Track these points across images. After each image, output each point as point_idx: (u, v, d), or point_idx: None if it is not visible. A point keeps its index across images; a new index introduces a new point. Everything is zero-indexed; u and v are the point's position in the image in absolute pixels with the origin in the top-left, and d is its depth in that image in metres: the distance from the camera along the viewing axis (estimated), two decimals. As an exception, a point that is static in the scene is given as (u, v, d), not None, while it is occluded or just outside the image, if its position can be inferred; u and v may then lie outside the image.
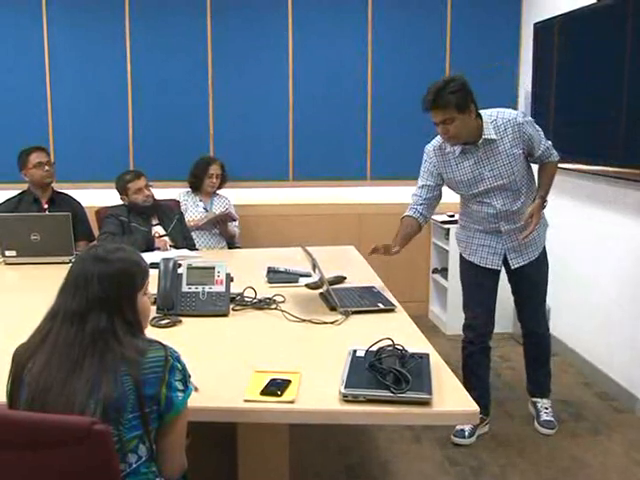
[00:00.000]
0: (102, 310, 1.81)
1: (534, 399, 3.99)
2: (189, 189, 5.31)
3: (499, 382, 4.54)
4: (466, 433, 3.72)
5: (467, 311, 3.85)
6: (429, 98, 3.37)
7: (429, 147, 3.67)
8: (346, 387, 2.10)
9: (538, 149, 3.54)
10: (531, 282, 3.77)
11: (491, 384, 3.94)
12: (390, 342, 2.31)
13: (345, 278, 3.57)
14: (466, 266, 3.82)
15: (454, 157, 3.57)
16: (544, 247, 3.76)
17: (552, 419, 3.88)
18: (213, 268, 3.10)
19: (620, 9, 4.01)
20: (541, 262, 3.75)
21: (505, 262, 3.72)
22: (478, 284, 3.77)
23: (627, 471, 3.45)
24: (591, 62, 4.33)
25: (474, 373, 3.81)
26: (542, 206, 3.52)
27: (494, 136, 3.46)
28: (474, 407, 2.07)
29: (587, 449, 3.66)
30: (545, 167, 3.62)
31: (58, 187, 4.73)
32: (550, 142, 3.61)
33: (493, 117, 3.49)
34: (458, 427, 3.74)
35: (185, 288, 3.04)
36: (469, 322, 3.84)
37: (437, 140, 3.65)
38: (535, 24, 5.11)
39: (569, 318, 4.76)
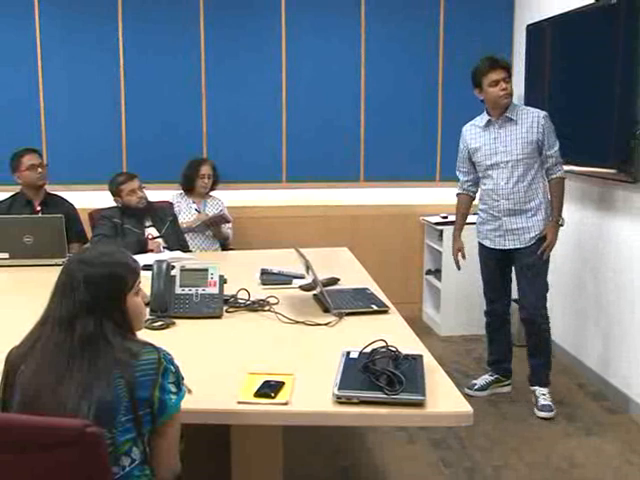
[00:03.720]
0: (90, 314, 1.81)
1: (532, 387, 4.15)
2: (182, 191, 5.31)
3: (493, 383, 4.55)
4: (477, 386, 4.33)
5: (484, 286, 4.34)
6: (496, 57, 3.96)
7: (464, 128, 4.23)
8: (339, 389, 2.09)
9: (548, 149, 3.95)
10: (525, 267, 4.06)
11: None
12: (383, 343, 2.30)
13: (338, 280, 3.56)
14: (481, 250, 4.30)
15: (480, 128, 4.09)
16: (543, 237, 3.99)
17: (550, 403, 4.04)
18: (206, 270, 3.10)
19: (612, 11, 4.02)
20: (537, 249, 4.00)
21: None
22: (489, 265, 4.25)
23: (620, 471, 3.46)
24: (583, 64, 4.34)
25: (491, 339, 4.39)
26: (557, 227, 3.99)
27: (514, 117, 3.96)
28: (467, 408, 2.07)
29: (581, 449, 3.66)
30: (552, 187, 4.02)
31: (51, 189, 4.73)
32: (560, 157, 3.99)
33: (522, 107, 4.08)
34: (472, 381, 4.39)
35: (178, 290, 3.04)
36: (486, 296, 4.34)
37: (472, 121, 4.20)
38: (528, 26, 5.12)
39: (562, 319, 4.77)
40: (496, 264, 4.20)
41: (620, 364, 4.17)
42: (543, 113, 3.97)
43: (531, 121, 3.94)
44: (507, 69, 3.95)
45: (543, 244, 3.98)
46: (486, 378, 4.37)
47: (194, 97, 5.61)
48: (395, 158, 5.81)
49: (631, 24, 3.83)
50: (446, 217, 5.56)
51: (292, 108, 5.71)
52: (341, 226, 5.72)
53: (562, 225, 4.03)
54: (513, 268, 4.21)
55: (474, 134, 4.12)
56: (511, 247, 4.07)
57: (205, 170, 5.26)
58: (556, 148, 3.96)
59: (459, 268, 4.37)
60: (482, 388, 4.33)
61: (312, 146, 5.75)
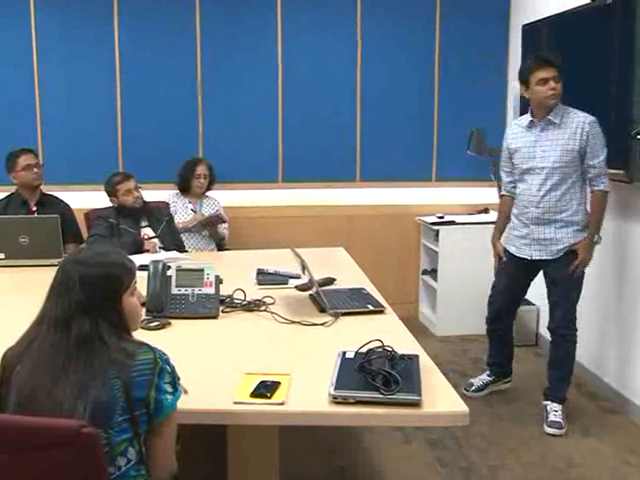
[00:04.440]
0: (86, 314, 1.81)
1: (545, 402, 3.99)
2: (178, 191, 5.30)
3: (489, 383, 4.55)
4: (474, 387, 4.29)
5: (491, 294, 4.22)
6: (546, 56, 3.82)
7: (508, 125, 4.11)
8: (336, 389, 2.09)
9: (590, 159, 3.72)
10: (552, 279, 3.91)
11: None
12: (380, 343, 2.30)
13: (335, 280, 3.56)
14: (505, 254, 4.11)
15: (523, 128, 3.91)
16: (574, 251, 3.81)
17: (560, 420, 3.86)
18: (202, 270, 3.10)
19: (607, 12, 4.02)
20: (568, 263, 3.82)
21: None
22: (509, 271, 4.09)
23: (617, 472, 3.46)
24: (579, 64, 4.34)
25: (493, 343, 4.31)
26: (590, 244, 3.79)
27: (557, 121, 3.77)
28: (463, 408, 2.07)
29: (578, 450, 3.67)
30: (592, 200, 3.81)
31: (47, 189, 4.72)
32: (606, 168, 3.76)
33: (569, 110, 3.81)
34: (470, 380, 4.35)
35: (174, 290, 3.04)
36: (489, 300, 4.23)
37: (517, 120, 4.10)
38: (523, 26, 5.12)
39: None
40: (516, 272, 4.04)
41: (617, 364, 4.18)
42: (590, 118, 3.73)
43: (575, 127, 3.72)
44: (557, 68, 3.73)
45: (574, 260, 3.80)
46: (484, 378, 4.33)
47: (190, 97, 5.60)
48: (391, 158, 5.81)
49: (627, 24, 3.84)
50: (442, 217, 5.57)
51: (288, 108, 5.71)
52: (337, 226, 5.71)
53: (598, 243, 3.81)
54: (542, 280, 3.99)
55: (516, 134, 3.95)
56: (536, 258, 3.90)
57: (201, 170, 5.26)
58: (601, 158, 3.72)
59: (497, 274, 4.23)
60: (480, 389, 4.29)
61: (308, 146, 5.75)
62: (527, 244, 3.93)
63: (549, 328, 3.97)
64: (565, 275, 3.82)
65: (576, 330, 3.90)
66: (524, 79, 3.81)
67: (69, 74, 5.49)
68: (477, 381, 4.32)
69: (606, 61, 4.04)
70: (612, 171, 3.85)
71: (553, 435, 3.81)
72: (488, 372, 4.35)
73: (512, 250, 4.03)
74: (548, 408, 3.94)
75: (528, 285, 4.12)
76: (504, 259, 4.13)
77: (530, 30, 5.03)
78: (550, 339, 3.99)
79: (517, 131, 3.95)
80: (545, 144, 3.80)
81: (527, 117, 3.90)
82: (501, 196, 4.22)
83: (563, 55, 4.46)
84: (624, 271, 4.09)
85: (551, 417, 3.88)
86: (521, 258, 3.98)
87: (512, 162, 3.99)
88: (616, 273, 4.13)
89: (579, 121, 3.73)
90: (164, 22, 5.50)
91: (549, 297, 3.95)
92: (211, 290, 3.04)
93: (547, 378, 4.02)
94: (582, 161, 3.75)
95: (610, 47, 4.01)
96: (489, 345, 4.34)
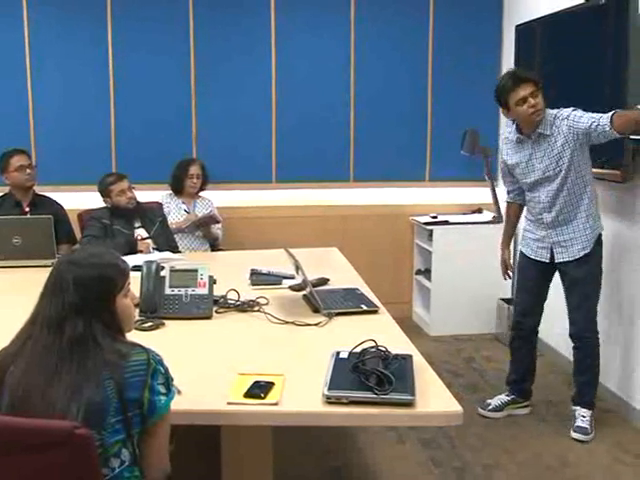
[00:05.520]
0: (79, 315, 1.81)
1: (574, 407, 3.92)
2: (172, 192, 5.29)
3: (482, 382, 4.56)
4: (491, 406, 4.10)
5: (515, 297, 4.20)
6: (520, 72, 3.70)
7: (501, 140, 4.06)
8: (329, 389, 2.10)
9: (590, 120, 3.50)
10: (573, 281, 3.82)
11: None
12: (373, 343, 2.30)
13: (328, 280, 3.56)
14: (520, 257, 4.06)
15: (514, 143, 3.83)
16: (594, 250, 3.77)
17: (587, 426, 3.80)
18: (196, 271, 3.09)
19: (601, 11, 4.03)
20: (587, 263, 3.77)
21: (553, 258, 3.86)
22: (526, 274, 4.01)
23: (610, 470, 3.48)
24: (572, 64, 4.35)
25: (514, 356, 4.14)
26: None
27: (548, 132, 3.66)
28: (457, 408, 2.07)
29: (571, 448, 3.68)
30: (615, 118, 3.44)
31: (40, 190, 4.71)
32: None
33: (554, 114, 3.68)
34: (487, 400, 4.15)
35: (168, 291, 3.03)
36: (514, 308, 4.17)
37: (506, 132, 3.98)
38: (517, 26, 5.14)
39: (553, 319, 4.77)
40: (536, 275, 3.94)
41: (612, 365, 4.17)
42: (572, 113, 3.59)
43: (566, 131, 3.60)
44: (534, 82, 3.59)
45: (591, 257, 3.74)
46: (502, 398, 4.11)
47: (184, 97, 5.59)
48: (385, 158, 5.81)
49: (620, 24, 3.85)
50: (435, 217, 5.57)
51: (282, 108, 5.70)
52: (331, 226, 5.71)
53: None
54: (560, 283, 3.90)
55: (509, 149, 3.85)
56: (559, 260, 3.81)
57: (194, 170, 5.25)
58: (597, 116, 3.49)
59: (505, 279, 4.24)
60: (497, 409, 4.07)
61: (302, 146, 5.74)
62: (545, 247, 3.86)
63: (571, 334, 3.87)
64: (586, 274, 3.78)
65: (598, 332, 3.84)
66: (503, 102, 3.68)
67: (62, 74, 5.47)
68: (495, 401, 4.11)
69: (599, 61, 4.05)
70: (605, 171, 3.86)
71: (578, 440, 3.75)
72: (507, 392, 4.15)
73: (528, 252, 3.96)
74: (576, 413, 3.87)
75: (548, 287, 3.99)
76: (511, 268, 4.17)
77: (524, 30, 5.04)
78: (573, 344, 3.89)
79: (510, 147, 3.86)
80: (541, 156, 3.71)
81: (514, 132, 3.80)
82: (507, 203, 4.18)
83: (556, 55, 4.49)
84: (622, 273, 4.08)
85: (578, 422, 3.83)
86: (538, 260, 3.91)
87: (512, 174, 3.92)
88: (614, 274, 4.12)
89: (565, 124, 3.60)
90: (158, 22, 5.49)
91: (568, 300, 3.86)
92: (205, 291, 3.04)
93: (574, 384, 3.95)
94: (589, 138, 3.57)
95: (603, 47, 4.02)
96: (511, 359, 4.16)
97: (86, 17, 5.43)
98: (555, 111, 3.67)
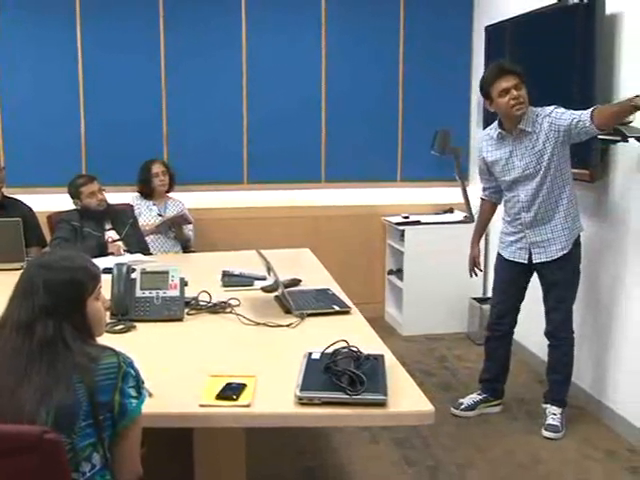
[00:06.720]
0: (49, 318, 1.79)
1: (544, 405, 3.96)
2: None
3: (455, 381, 4.58)
4: (463, 405, 4.10)
5: (492, 299, 4.20)
6: (505, 64, 3.70)
7: (480, 137, 4.03)
8: (301, 390, 2.10)
9: (571, 116, 3.52)
10: (551, 282, 3.83)
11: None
12: (345, 344, 2.31)
13: (300, 281, 3.56)
14: (497, 260, 4.06)
15: (494, 140, 3.82)
16: (573, 250, 3.78)
17: (557, 423, 3.83)
18: (167, 272, 3.08)
19: (571, 12, 4.06)
20: (565, 263, 3.78)
21: (531, 259, 3.86)
22: (504, 276, 4.02)
23: (580, 465, 3.52)
24: (541, 65, 4.38)
25: (489, 356, 4.14)
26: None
27: (529, 129, 3.66)
28: (429, 407, 2.08)
29: (543, 445, 3.71)
30: (596, 112, 3.45)
31: (8, 192, 4.65)
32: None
33: (537, 112, 3.68)
34: (460, 400, 4.14)
35: (139, 293, 3.02)
36: (491, 309, 4.18)
37: (487, 129, 3.95)
38: (486, 27, 5.17)
39: (526, 318, 4.81)
40: (513, 277, 3.95)
41: (586, 364, 4.20)
42: (553, 112, 3.60)
43: (547, 128, 3.60)
44: (518, 75, 3.59)
45: (569, 258, 3.75)
46: (474, 397, 4.13)
47: (154, 97, 5.55)
48: (356, 158, 5.82)
49: (590, 25, 3.88)
50: (407, 217, 5.60)
51: (253, 109, 5.68)
52: (303, 227, 5.71)
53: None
54: (538, 283, 3.92)
55: (490, 145, 3.83)
56: (537, 261, 3.81)
57: (157, 168, 5.21)
58: (578, 113, 3.50)
59: (471, 276, 4.23)
60: (470, 408, 4.09)
61: (273, 147, 5.72)
62: (522, 247, 3.85)
63: (547, 332, 3.90)
64: (564, 275, 3.79)
65: (573, 332, 3.87)
66: (486, 93, 3.69)
67: (32, 74, 5.40)
68: (467, 400, 4.12)
69: (568, 61, 4.09)
70: (575, 170, 3.89)
71: (549, 439, 3.78)
72: (479, 391, 4.17)
73: (505, 255, 3.95)
74: (547, 411, 3.90)
75: (525, 289, 3.99)
76: (480, 267, 4.20)
77: (493, 31, 5.07)
78: (548, 342, 3.92)
79: (490, 144, 3.84)
80: (522, 153, 3.70)
81: (496, 128, 3.80)
82: (481, 199, 4.16)
83: (526, 56, 4.52)
84: (595, 272, 4.11)
85: (549, 420, 3.85)
86: (516, 262, 3.90)
87: (490, 172, 3.91)
88: (587, 275, 4.14)
89: (547, 121, 3.61)
90: (128, 24, 5.44)
91: (546, 300, 3.88)
92: (176, 292, 3.03)
93: (547, 382, 3.99)
94: (570, 135, 3.57)
95: (573, 47, 4.05)
96: (485, 358, 4.17)
97: (55, 17, 5.36)
98: (538, 109, 3.68)
